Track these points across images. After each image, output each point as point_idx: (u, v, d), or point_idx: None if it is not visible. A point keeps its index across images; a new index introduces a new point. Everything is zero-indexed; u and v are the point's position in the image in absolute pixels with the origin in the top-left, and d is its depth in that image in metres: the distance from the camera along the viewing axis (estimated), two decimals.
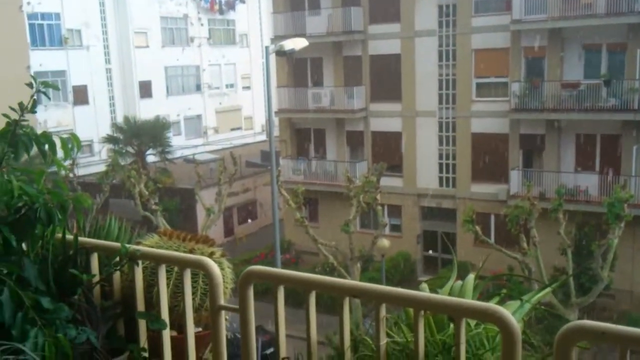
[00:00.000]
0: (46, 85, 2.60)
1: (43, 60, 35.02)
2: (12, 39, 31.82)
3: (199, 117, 44.37)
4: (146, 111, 38.69)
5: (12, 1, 33.31)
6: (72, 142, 2.72)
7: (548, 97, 23.52)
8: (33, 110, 2.56)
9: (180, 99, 42.89)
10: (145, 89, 41.08)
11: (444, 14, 25.59)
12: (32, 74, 32.67)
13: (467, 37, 25.14)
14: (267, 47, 14.38)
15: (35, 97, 2.57)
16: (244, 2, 46.77)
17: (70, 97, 37.19)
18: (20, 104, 2.53)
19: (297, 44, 14.58)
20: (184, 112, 43.02)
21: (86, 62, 37.71)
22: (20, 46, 33.09)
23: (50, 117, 35.33)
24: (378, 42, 27.12)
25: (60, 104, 36.61)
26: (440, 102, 26.23)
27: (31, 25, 34.76)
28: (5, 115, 2.52)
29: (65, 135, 2.70)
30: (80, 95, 37.74)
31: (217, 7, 44.27)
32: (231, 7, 45.47)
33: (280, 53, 14.89)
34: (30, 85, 2.57)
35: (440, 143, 26.59)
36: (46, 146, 2.60)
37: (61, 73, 36.45)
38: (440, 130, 26.50)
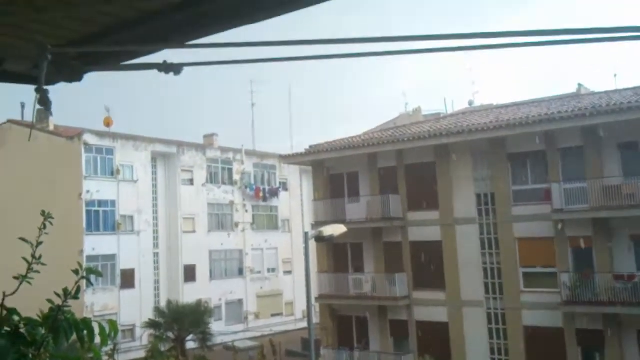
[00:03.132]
0: (90, 272, 2.70)
1: (96, 244, 36.44)
2: (70, 225, 33.52)
3: (240, 301, 44.32)
4: (189, 295, 38.98)
5: (73, 189, 35.68)
6: (110, 329, 2.75)
7: (601, 289, 22.53)
8: (76, 297, 2.63)
9: (223, 283, 43.28)
10: (190, 273, 41.76)
11: (483, 202, 25.94)
12: (83, 259, 33.77)
13: (509, 226, 25.07)
14: (306, 233, 14.68)
15: (79, 284, 2.66)
16: (286, 190, 48.84)
17: (118, 280, 37.93)
18: (65, 290, 2.60)
19: (336, 230, 14.87)
20: (226, 296, 43.14)
21: (136, 247, 38.98)
22: (77, 231, 34.79)
23: (98, 301, 35.86)
24: (418, 228, 27.36)
25: (107, 288, 37.29)
26: (487, 292, 25.52)
27: (88, 212, 36.65)
28: (49, 300, 2.60)
29: (103, 322, 2.74)
30: (128, 279, 38.49)
31: (261, 194, 46.28)
32: (275, 194, 47.46)
33: (319, 239, 15.15)
34: (76, 272, 2.67)
35: (491, 336, 25.36)
36: (85, 332, 2.63)
37: (111, 257, 37.62)
38: (490, 322, 25.42)
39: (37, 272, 2.67)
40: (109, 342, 2.79)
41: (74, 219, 34.52)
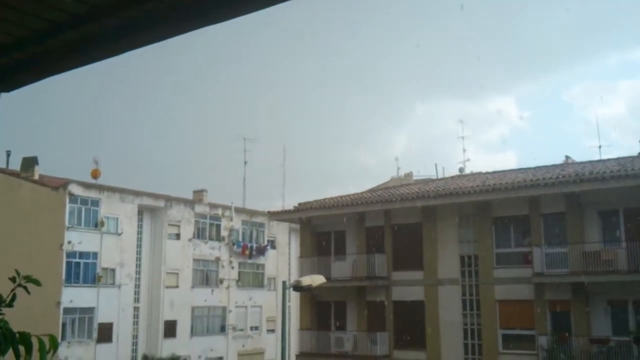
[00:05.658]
0: (29, 280, 2.71)
1: (74, 296, 35.78)
2: (48, 276, 32.96)
3: (220, 359, 43.36)
4: (168, 350, 38.15)
5: (54, 240, 35.31)
6: (50, 345, 2.71)
7: (577, 352, 22.55)
8: (11, 305, 2.64)
9: (204, 340, 42.43)
10: (170, 329, 40.98)
11: (466, 264, 26.01)
12: (59, 311, 33.04)
13: (490, 288, 25.14)
14: (284, 282, 14.55)
15: (15, 291, 2.66)
16: (274, 248, 48.57)
17: (95, 334, 37.13)
18: None
19: (315, 280, 14.78)
20: (206, 353, 42.22)
21: (115, 300, 38.31)
22: (55, 282, 34.19)
23: (72, 355, 35.04)
24: (401, 288, 27.27)
25: (84, 341, 36.46)
26: (466, 353, 25.35)
27: (68, 263, 36.13)
28: None
29: (43, 336, 2.70)
30: (105, 332, 37.69)
31: (248, 252, 45.96)
32: (262, 252, 47.16)
33: (297, 288, 15.06)
34: (13, 279, 2.69)
35: None
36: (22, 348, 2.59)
37: (90, 310, 36.91)
38: None
39: None
40: (48, 359, 2.75)
41: (53, 269, 34.01)
